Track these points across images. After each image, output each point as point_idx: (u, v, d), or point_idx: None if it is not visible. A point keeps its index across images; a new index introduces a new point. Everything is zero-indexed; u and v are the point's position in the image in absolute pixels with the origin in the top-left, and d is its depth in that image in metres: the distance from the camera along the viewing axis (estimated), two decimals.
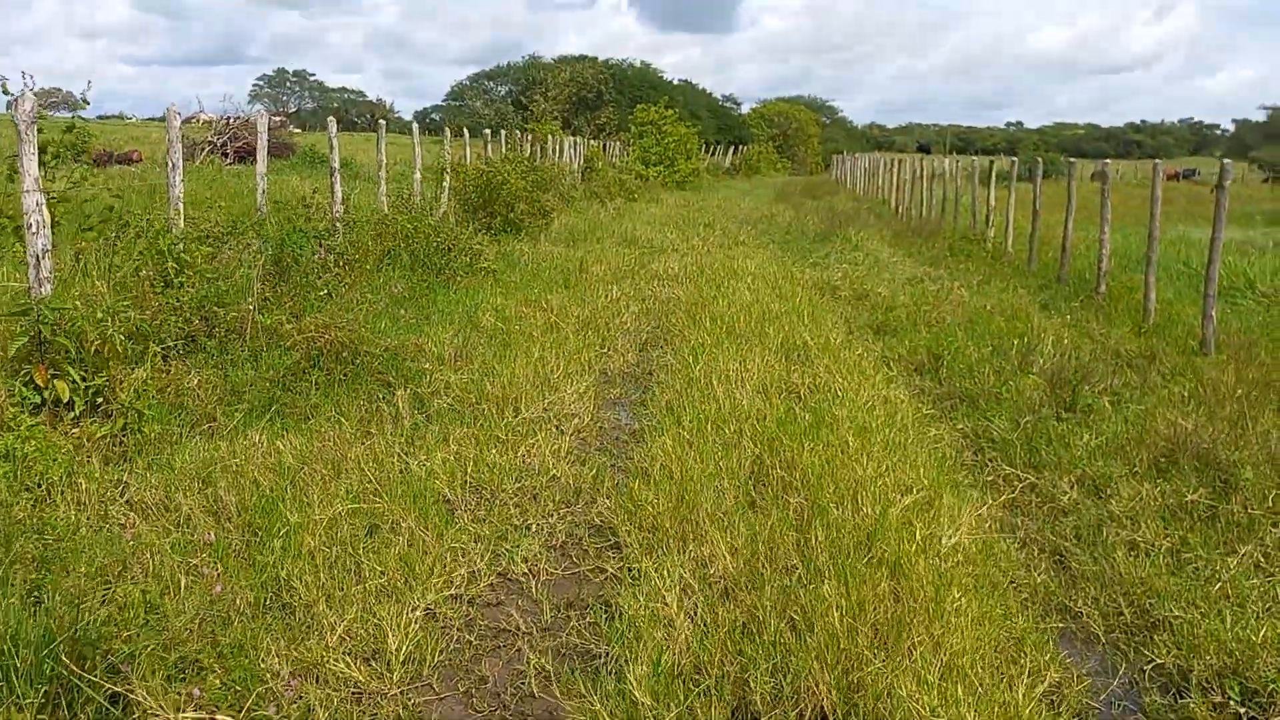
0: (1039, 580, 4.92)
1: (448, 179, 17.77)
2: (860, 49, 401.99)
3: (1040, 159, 18.24)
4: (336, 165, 12.74)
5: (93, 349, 6.13)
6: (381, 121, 15.75)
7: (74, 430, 5.81)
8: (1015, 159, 20.44)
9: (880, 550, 4.55)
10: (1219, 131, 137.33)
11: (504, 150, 22.75)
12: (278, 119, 40.71)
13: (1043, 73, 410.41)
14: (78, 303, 6.35)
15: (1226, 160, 9.91)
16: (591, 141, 39.74)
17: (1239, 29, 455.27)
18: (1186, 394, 7.54)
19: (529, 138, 27.86)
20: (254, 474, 5.55)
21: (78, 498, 5.14)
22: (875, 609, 4.02)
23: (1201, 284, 10.13)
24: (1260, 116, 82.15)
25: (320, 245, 10.46)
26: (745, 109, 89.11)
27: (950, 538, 4.87)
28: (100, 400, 6.09)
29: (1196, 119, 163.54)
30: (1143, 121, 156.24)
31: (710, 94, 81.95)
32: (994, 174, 19.12)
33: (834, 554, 4.54)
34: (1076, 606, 4.71)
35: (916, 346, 9.62)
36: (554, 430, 6.91)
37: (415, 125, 18.88)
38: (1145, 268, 11.15)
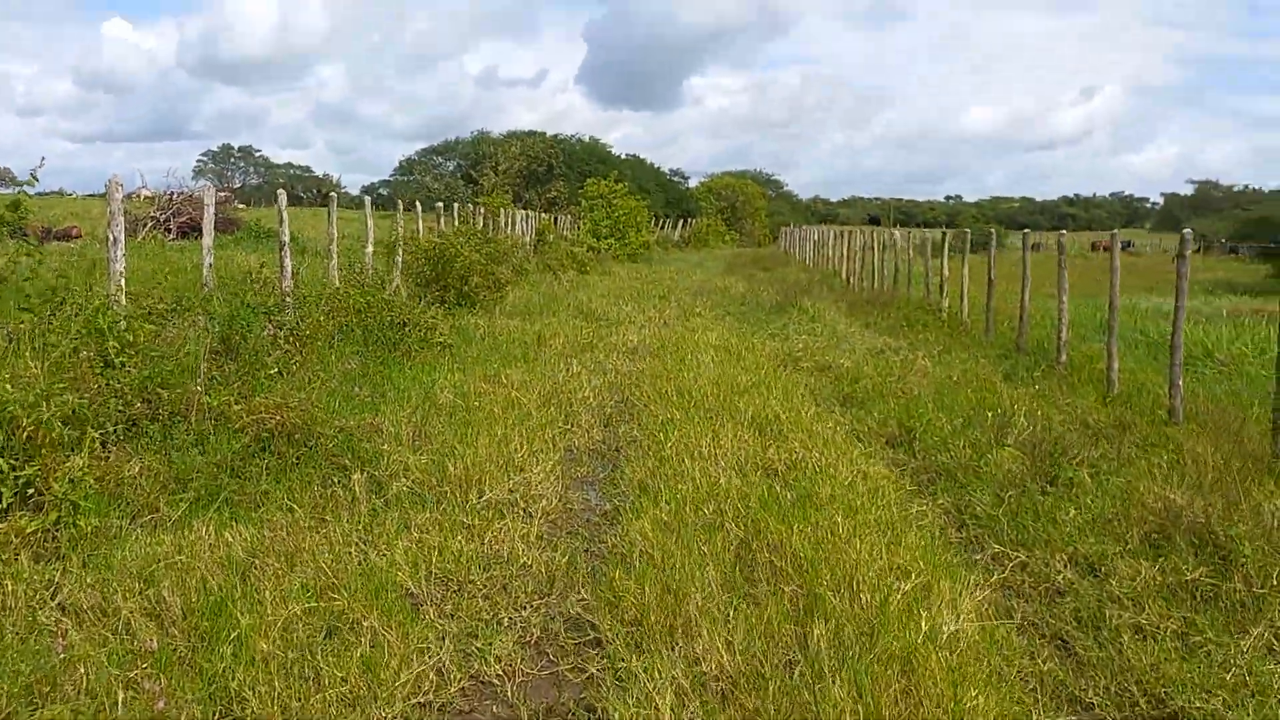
0: (1045, 668, 4.65)
1: (400, 253, 17.49)
2: (801, 125, 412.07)
3: (994, 231, 18.49)
4: (286, 239, 12.38)
5: (24, 435, 5.68)
6: (333, 195, 15.49)
7: (0, 525, 5.32)
8: (969, 231, 20.75)
9: (888, 644, 4.25)
10: (1149, 205, 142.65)
11: (456, 224, 22.56)
12: (223, 194, 40.28)
13: (977, 148, 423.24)
14: (8, 385, 5.91)
15: (1187, 230, 10.01)
16: (543, 215, 39.78)
17: (1163, 108, 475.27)
18: (1167, 465, 7.40)
19: (481, 211, 27.74)
20: (201, 570, 5.11)
21: (3, 601, 4.66)
22: (890, 712, 3.71)
23: (1161, 352, 10.14)
24: (1188, 190, 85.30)
25: (270, 321, 10.07)
26: (693, 183, 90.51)
27: (951, 625, 4.59)
28: (31, 491, 5.61)
29: (1127, 193, 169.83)
30: (1075, 195, 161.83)
31: (658, 168, 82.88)
32: (946, 246, 19.36)
33: (837, 648, 4.24)
34: (1088, 697, 4.44)
35: (886, 418, 9.44)
36: (521, 513, 6.55)
37: (368, 199, 18.69)
38: (1107, 337, 11.16)
